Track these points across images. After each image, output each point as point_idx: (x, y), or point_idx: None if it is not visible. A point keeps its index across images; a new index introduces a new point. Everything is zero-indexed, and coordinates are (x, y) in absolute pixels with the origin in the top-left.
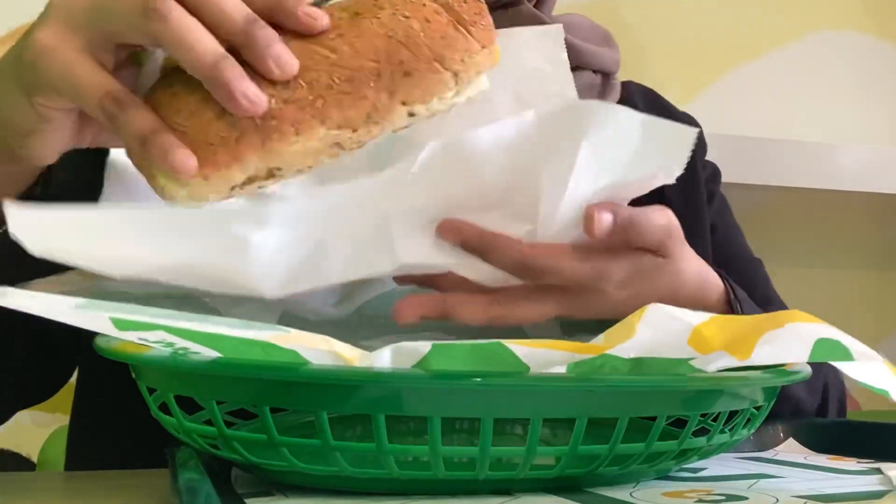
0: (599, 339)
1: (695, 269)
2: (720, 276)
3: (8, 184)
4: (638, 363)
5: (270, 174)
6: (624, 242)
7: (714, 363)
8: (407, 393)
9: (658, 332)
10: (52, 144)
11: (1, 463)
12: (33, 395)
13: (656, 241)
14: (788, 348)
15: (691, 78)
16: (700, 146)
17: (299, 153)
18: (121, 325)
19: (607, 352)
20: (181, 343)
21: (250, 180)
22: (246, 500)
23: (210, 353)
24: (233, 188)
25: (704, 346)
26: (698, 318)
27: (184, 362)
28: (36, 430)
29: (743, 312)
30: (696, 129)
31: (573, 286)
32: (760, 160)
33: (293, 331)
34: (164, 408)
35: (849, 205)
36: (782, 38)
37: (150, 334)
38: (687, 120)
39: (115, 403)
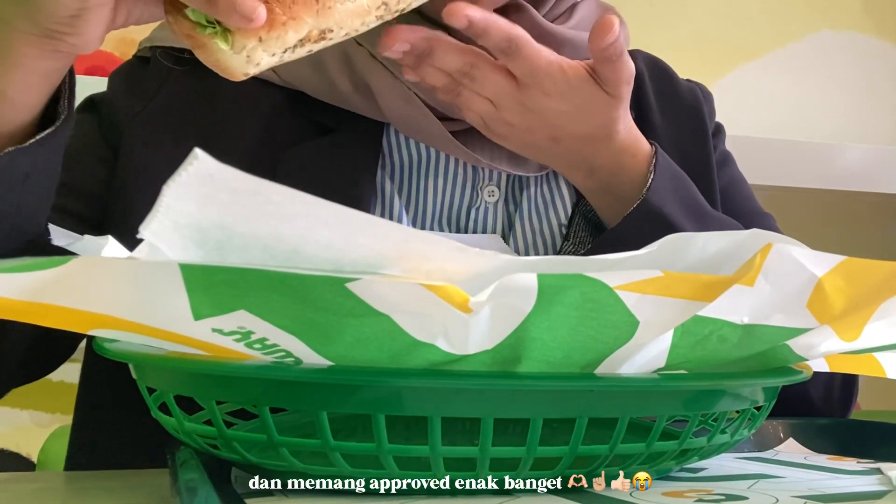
0: (718, 273)
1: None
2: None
3: (43, 83)
4: (748, 332)
5: (322, 36)
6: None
7: (817, 347)
8: (407, 393)
9: (779, 286)
10: (96, 22)
11: (1, 463)
12: (34, 369)
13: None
14: None
15: (692, 78)
16: (710, 108)
17: (350, 12)
18: (198, 312)
19: (720, 317)
20: (261, 329)
21: (301, 43)
22: (246, 501)
23: (285, 340)
24: (285, 51)
25: (824, 309)
26: (825, 264)
27: (184, 363)
28: (36, 430)
29: (655, 178)
30: None
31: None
32: (760, 160)
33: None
34: (164, 408)
35: (849, 205)
36: (782, 38)
37: (229, 319)
38: (693, 88)
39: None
